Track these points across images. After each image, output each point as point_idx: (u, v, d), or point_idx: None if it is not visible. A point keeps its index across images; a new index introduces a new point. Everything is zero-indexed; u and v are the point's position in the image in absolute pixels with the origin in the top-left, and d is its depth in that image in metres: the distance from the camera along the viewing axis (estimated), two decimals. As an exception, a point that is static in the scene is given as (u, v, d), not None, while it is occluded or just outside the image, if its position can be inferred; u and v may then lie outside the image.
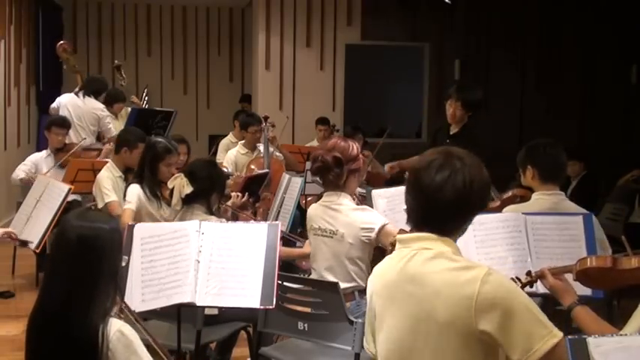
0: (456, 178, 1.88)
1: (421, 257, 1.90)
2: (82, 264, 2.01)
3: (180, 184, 3.48)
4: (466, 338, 1.81)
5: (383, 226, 3.12)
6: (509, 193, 3.88)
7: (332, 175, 3.19)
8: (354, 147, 3.26)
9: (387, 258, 2.08)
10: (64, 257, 2.04)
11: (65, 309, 2.00)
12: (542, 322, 1.79)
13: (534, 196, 3.31)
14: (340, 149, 3.20)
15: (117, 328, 2.00)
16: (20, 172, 5.81)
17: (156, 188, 4.17)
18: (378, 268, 2.07)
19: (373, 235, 3.12)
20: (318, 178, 3.32)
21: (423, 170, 1.93)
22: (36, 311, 2.08)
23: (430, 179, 1.89)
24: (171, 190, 3.55)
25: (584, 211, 3.15)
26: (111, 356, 1.98)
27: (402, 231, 3.30)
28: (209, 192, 3.51)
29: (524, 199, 3.51)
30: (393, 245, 2.09)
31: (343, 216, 3.17)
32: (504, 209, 3.29)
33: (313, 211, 3.33)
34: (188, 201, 3.49)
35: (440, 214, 1.90)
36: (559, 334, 1.77)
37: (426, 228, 1.92)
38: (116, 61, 8.14)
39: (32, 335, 2.07)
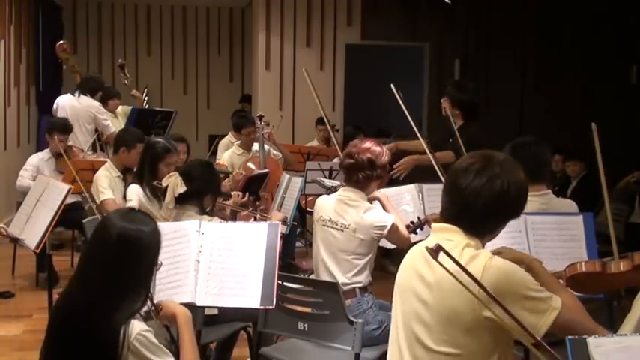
0: (493, 184, 1.93)
1: None
2: (120, 264, 2.00)
3: (174, 183, 3.48)
4: (470, 325, 1.87)
5: (393, 224, 3.25)
6: None
7: (362, 175, 3.28)
8: (386, 155, 3.36)
9: (422, 242, 2.14)
10: (102, 255, 2.03)
11: (94, 305, 1.98)
12: (541, 298, 1.86)
13: None
14: (375, 154, 3.29)
15: (138, 330, 1.98)
16: (26, 180, 5.78)
17: (157, 189, 4.16)
18: (414, 249, 2.12)
19: (385, 232, 3.24)
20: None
21: (461, 173, 1.98)
22: (63, 303, 2.06)
23: (467, 183, 1.94)
24: (165, 189, 3.55)
25: (575, 206, 3.15)
26: (131, 357, 1.96)
27: (408, 226, 3.41)
28: (203, 193, 3.50)
29: None
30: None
31: (358, 213, 3.25)
32: None
33: (324, 202, 3.40)
34: (181, 201, 3.49)
35: (472, 216, 1.96)
36: (558, 305, 1.85)
37: (456, 224, 1.99)
38: (119, 60, 8.14)
39: (54, 325, 2.05)
